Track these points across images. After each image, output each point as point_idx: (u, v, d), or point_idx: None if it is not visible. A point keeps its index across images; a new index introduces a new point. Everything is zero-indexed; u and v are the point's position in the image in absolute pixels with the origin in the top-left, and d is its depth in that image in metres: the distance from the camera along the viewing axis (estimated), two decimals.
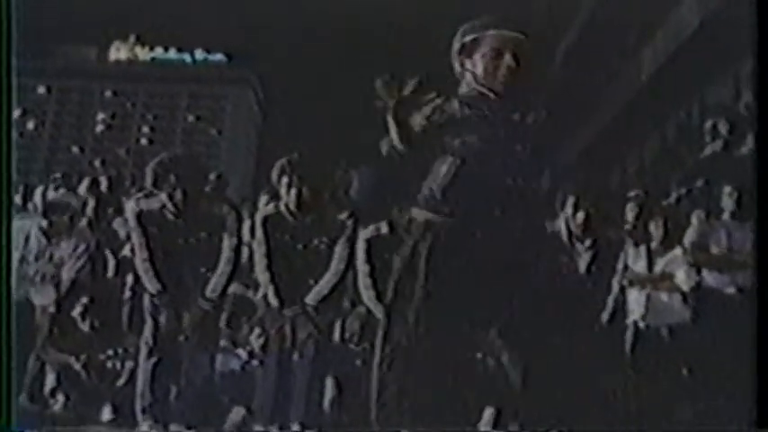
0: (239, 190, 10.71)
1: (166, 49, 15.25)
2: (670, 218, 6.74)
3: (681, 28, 9.26)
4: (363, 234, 6.20)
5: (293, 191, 6.13)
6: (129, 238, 6.56)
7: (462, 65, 4.73)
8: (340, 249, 6.13)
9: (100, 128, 15.57)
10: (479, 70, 4.68)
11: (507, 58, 4.64)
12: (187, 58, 15.27)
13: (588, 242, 6.08)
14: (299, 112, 12.11)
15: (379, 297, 5.95)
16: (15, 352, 5.36)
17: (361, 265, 6.18)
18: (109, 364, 6.98)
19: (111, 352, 7.02)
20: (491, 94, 4.64)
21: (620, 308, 6.23)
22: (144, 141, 15.28)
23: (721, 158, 7.42)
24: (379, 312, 5.74)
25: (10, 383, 5.38)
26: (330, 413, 6.38)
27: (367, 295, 6.25)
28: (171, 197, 6.21)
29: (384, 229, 5.90)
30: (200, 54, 15.17)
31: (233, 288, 6.72)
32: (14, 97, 5.40)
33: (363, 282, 6.23)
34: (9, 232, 5.52)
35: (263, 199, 6.88)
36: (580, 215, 6.07)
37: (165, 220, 6.25)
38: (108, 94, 15.54)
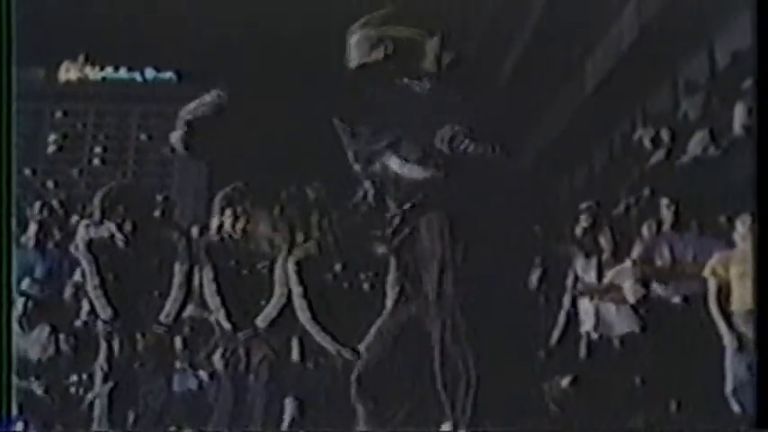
0: (193, 209, 10.65)
1: (117, 69, 15.13)
2: (618, 229, 6.79)
3: (621, 38, 9.36)
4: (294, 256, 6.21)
5: (232, 219, 6.13)
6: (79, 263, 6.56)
7: None
8: (279, 272, 6.15)
9: (51, 149, 15.41)
10: None
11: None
12: (137, 77, 15.17)
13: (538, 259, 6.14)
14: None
15: (315, 317, 5.99)
16: None
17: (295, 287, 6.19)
18: (72, 390, 6.94)
19: (74, 377, 6.97)
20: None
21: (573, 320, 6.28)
22: (96, 162, 15.16)
23: (663, 168, 7.52)
24: (315, 332, 5.79)
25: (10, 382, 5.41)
26: None
27: (303, 316, 6.23)
28: (120, 227, 6.22)
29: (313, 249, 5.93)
30: (150, 73, 15.08)
31: (190, 311, 6.72)
32: None
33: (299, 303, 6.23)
34: (9, 241, 5.55)
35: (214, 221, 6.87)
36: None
37: (115, 248, 6.25)
38: (59, 114, 15.40)
